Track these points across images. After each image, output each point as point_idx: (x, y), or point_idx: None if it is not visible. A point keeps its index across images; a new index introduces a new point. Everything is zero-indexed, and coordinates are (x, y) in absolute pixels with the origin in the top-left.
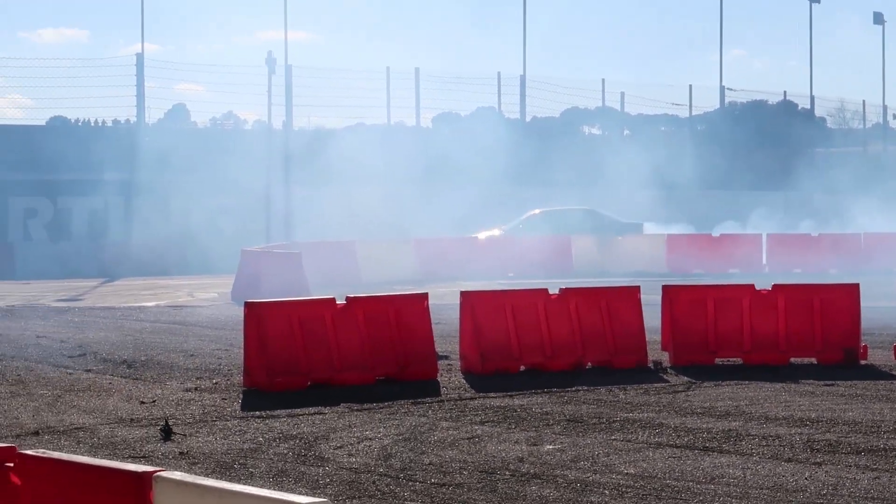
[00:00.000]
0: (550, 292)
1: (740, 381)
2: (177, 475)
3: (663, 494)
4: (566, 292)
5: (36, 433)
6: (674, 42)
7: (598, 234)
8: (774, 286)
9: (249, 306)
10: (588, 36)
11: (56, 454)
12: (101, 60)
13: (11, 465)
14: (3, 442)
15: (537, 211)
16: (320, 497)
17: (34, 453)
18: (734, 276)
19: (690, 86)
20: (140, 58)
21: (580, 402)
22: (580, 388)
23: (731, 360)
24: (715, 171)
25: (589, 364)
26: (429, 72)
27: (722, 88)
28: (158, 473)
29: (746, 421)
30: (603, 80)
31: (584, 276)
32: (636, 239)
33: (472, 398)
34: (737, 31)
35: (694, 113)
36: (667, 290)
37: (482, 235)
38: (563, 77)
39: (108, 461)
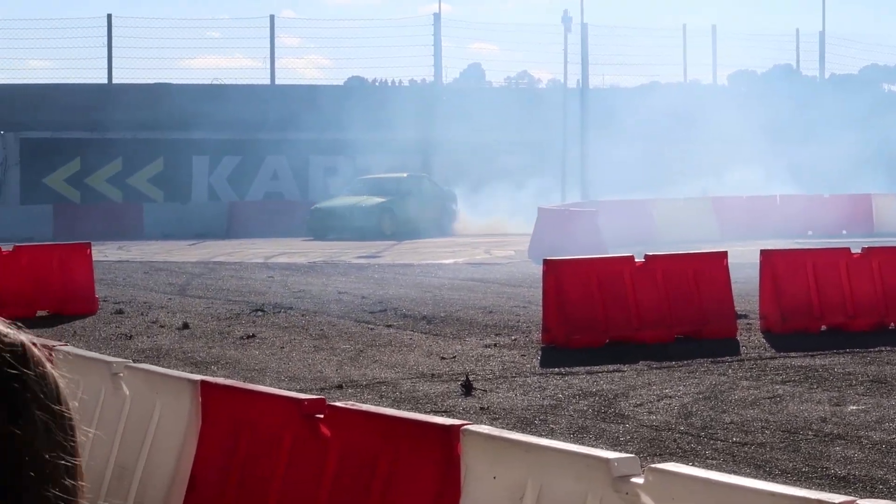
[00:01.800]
0: (852, 251)
1: None
2: (484, 429)
3: None
4: (868, 251)
5: (339, 387)
6: None
7: None
8: None
9: (548, 264)
10: None
11: (364, 406)
12: (397, 20)
13: (321, 416)
14: (309, 394)
15: None
16: (625, 454)
17: (343, 405)
18: None
19: None
20: (437, 17)
21: (884, 362)
22: (883, 348)
23: None
24: None
25: (892, 325)
26: (725, 29)
27: None
28: (466, 427)
29: None
30: None
31: (887, 235)
32: None
33: (772, 357)
34: None
35: None
36: None
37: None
38: (863, 33)
39: (416, 414)
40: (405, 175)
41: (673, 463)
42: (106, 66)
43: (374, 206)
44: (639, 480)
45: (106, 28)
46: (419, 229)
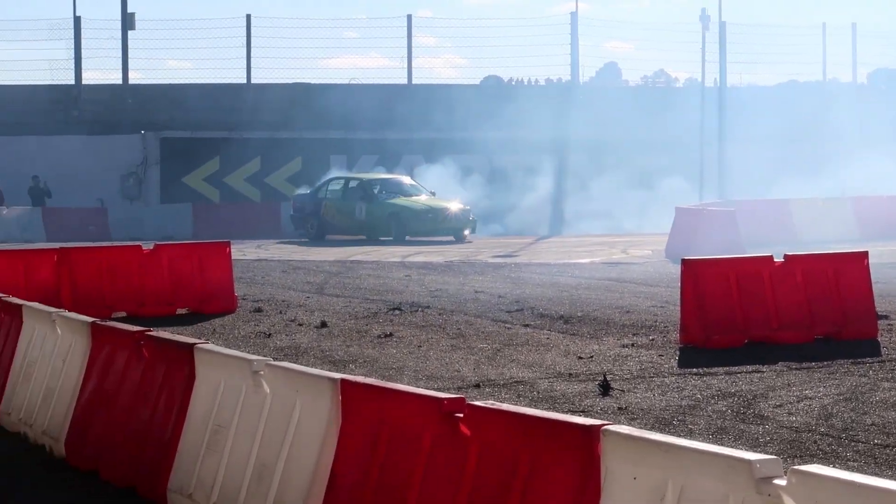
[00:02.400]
0: None
1: None
2: (624, 429)
3: None
4: None
5: (477, 386)
6: None
7: None
8: None
9: (686, 263)
10: None
11: (504, 405)
12: (534, 20)
13: (461, 415)
14: (447, 393)
15: None
16: (767, 455)
17: (483, 404)
18: None
19: None
20: (574, 16)
21: None
22: None
23: None
24: None
25: None
26: (866, 26)
27: None
28: (606, 427)
29: None
30: None
31: None
32: None
33: None
34: None
35: None
36: None
37: None
38: None
39: (556, 413)
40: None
41: (816, 465)
42: (245, 66)
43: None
44: (781, 482)
45: (245, 28)
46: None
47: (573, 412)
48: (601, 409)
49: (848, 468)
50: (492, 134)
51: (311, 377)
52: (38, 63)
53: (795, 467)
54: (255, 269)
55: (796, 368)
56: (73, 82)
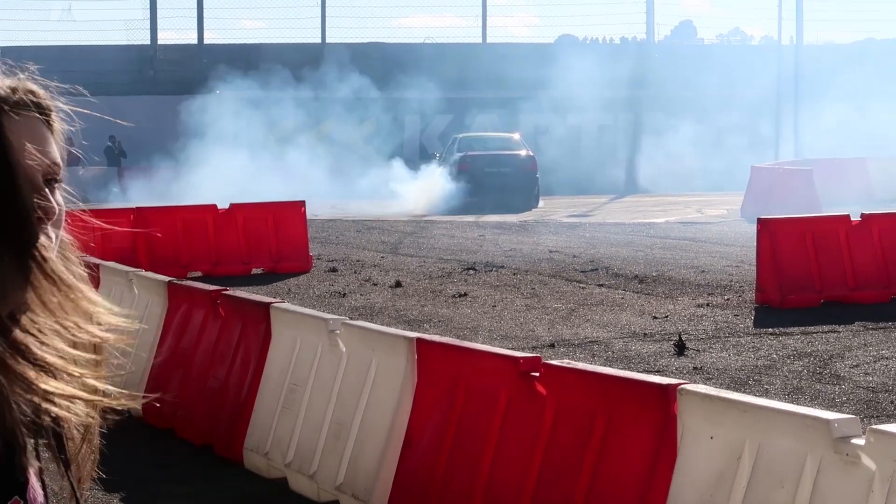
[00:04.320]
0: None
1: None
2: (701, 388)
3: None
4: None
5: (551, 345)
6: None
7: None
8: None
9: (762, 222)
10: None
11: (580, 365)
12: None
13: (537, 374)
14: (523, 353)
15: None
16: (845, 415)
17: (559, 363)
18: None
19: None
20: None
21: None
22: None
23: None
24: None
25: None
26: None
27: None
28: (683, 386)
29: None
30: None
31: None
32: None
33: None
34: None
35: None
36: None
37: None
38: None
39: (632, 373)
40: (508, 136)
41: (894, 424)
42: (319, 26)
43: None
44: (859, 442)
45: None
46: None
47: (648, 372)
48: (676, 369)
49: None
50: (567, 92)
51: (387, 336)
52: (114, 23)
53: (873, 427)
54: (329, 229)
55: (873, 328)
56: (148, 42)
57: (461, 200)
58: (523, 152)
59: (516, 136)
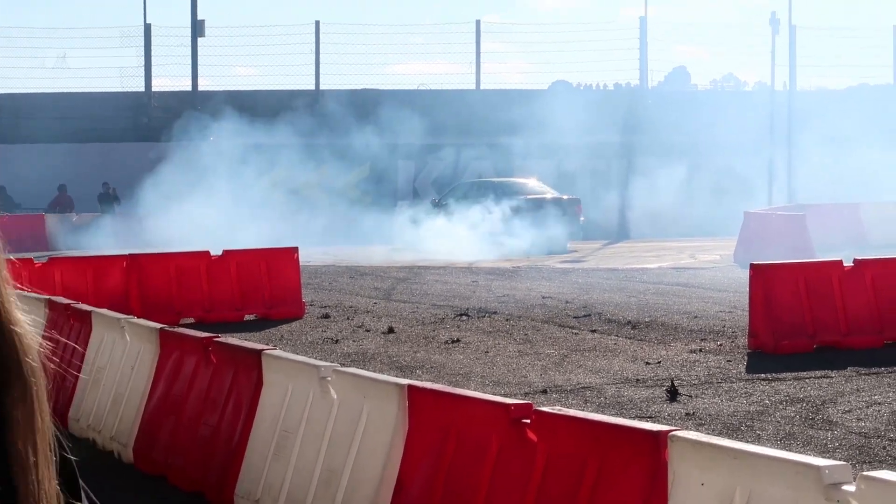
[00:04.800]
0: None
1: None
2: (692, 434)
3: None
4: None
5: (544, 391)
6: None
7: None
8: None
9: (755, 268)
10: None
11: (571, 411)
12: (601, 24)
13: (528, 421)
14: (514, 399)
15: None
16: (836, 461)
17: (550, 410)
18: None
19: None
20: (643, 21)
21: None
22: None
23: None
24: None
25: None
26: None
27: None
28: (674, 432)
29: None
30: None
31: None
32: None
33: None
34: None
35: None
36: None
37: None
38: None
39: (623, 419)
40: (524, 181)
41: (886, 471)
42: (314, 73)
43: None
44: (850, 489)
45: (314, 35)
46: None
47: (640, 418)
48: (669, 415)
49: None
50: (561, 138)
51: (379, 383)
52: (108, 70)
53: (865, 473)
54: (322, 275)
55: (865, 374)
56: (142, 89)
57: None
58: (554, 195)
59: (532, 181)
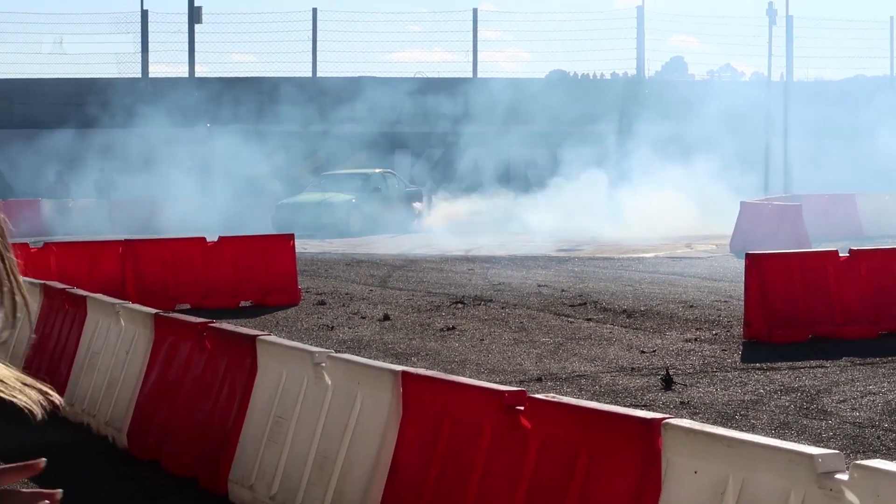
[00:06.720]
0: None
1: None
2: (686, 423)
3: None
4: None
5: (539, 379)
6: None
7: None
8: None
9: (751, 258)
10: None
11: (565, 399)
12: (599, 14)
13: (522, 408)
14: (509, 387)
15: None
16: (829, 450)
17: (544, 397)
18: None
19: None
20: (640, 10)
21: None
22: None
23: None
24: None
25: None
26: None
27: None
28: (667, 420)
29: None
30: None
31: None
32: None
33: None
34: None
35: None
36: None
37: None
38: None
39: (616, 407)
40: (374, 171)
41: (879, 460)
42: (311, 60)
43: (343, 202)
44: (843, 477)
45: (311, 22)
46: (385, 226)
47: (635, 406)
48: (663, 404)
49: None
50: (557, 128)
51: (373, 369)
52: (105, 56)
53: (858, 462)
54: (318, 263)
55: (860, 364)
56: (139, 75)
57: None
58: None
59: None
